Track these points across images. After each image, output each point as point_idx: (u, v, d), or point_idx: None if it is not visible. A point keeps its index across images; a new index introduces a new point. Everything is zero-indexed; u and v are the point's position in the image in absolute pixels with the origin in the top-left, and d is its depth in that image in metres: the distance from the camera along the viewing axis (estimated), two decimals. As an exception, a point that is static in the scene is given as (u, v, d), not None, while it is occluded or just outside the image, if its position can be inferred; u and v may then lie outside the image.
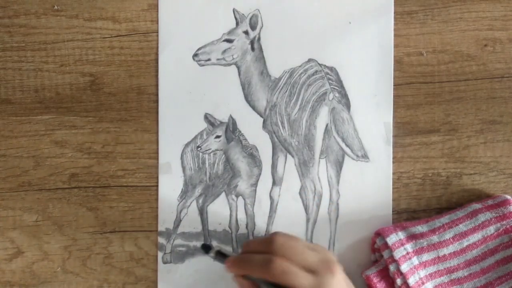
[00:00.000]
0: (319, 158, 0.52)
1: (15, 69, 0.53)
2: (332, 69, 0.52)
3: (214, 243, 0.52)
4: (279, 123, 0.52)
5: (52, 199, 0.52)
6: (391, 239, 0.49)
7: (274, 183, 0.52)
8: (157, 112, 0.52)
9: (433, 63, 0.52)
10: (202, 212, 0.52)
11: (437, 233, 0.49)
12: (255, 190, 0.52)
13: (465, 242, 0.48)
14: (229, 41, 0.52)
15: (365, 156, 0.52)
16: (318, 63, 0.52)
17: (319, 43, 0.52)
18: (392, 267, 0.48)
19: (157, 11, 0.52)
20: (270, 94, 0.52)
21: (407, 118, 0.52)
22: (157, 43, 0.52)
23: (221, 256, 0.48)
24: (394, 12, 0.52)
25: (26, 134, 0.52)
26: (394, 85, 0.52)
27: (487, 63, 0.52)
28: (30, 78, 0.52)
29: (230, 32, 0.52)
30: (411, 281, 0.48)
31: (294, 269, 0.42)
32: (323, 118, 0.52)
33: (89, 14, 0.52)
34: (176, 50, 0.52)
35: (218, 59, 0.52)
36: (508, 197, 0.50)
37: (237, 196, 0.53)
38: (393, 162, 0.52)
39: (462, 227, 0.49)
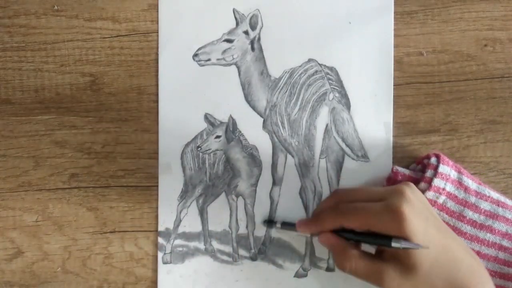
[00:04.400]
0: (319, 158, 0.52)
1: (15, 69, 0.53)
2: (332, 69, 0.52)
3: (214, 243, 0.52)
4: (279, 123, 0.52)
5: (52, 199, 0.52)
6: (445, 169, 0.48)
7: (274, 183, 0.52)
8: (157, 112, 0.52)
9: (433, 63, 0.52)
10: (202, 212, 0.52)
11: (478, 197, 0.48)
12: (255, 190, 0.52)
13: (482, 235, 0.48)
14: (229, 41, 0.52)
15: (365, 156, 0.52)
16: (318, 63, 0.52)
17: (319, 43, 0.52)
18: (422, 186, 0.48)
19: (157, 11, 0.52)
20: (270, 94, 0.52)
21: (407, 118, 0.52)
22: (157, 43, 0.52)
23: (287, 225, 0.50)
24: (394, 12, 0.52)
25: (26, 134, 0.52)
26: (394, 85, 0.52)
27: (487, 63, 0.52)
28: (30, 78, 0.52)
29: (230, 32, 0.52)
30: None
31: (360, 204, 0.43)
32: (323, 118, 0.52)
33: (89, 14, 0.52)
34: (176, 50, 0.52)
35: (218, 59, 0.52)
36: None
37: (237, 196, 0.53)
38: (393, 162, 0.52)
39: (498, 225, 0.48)
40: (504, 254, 0.48)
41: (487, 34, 0.52)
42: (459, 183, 0.49)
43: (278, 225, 0.51)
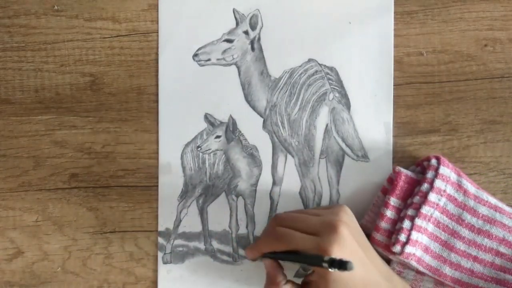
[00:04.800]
0: (319, 158, 0.52)
1: (15, 69, 0.53)
2: (332, 69, 0.52)
3: (214, 243, 0.52)
4: (279, 123, 0.52)
5: (52, 199, 0.52)
6: (445, 171, 0.48)
7: (274, 183, 0.52)
8: (157, 112, 0.52)
9: (433, 63, 0.52)
10: (202, 212, 0.52)
11: (477, 201, 0.49)
12: (255, 190, 0.52)
13: (480, 240, 0.48)
14: (229, 41, 0.52)
15: (365, 156, 0.52)
16: (318, 63, 0.52)
17: (319, 43, 0.52)
18: (425, 187, 0.48)
19: (157, 11, 0.52)
20: (270, 94, 0.52)
21: (407, 118, 0.52)
22: (157, 43, 0.52)
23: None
24: (394, 12, 0.52)
25: (26, 134, 0.52)
26: (394, 85, 0.52)
27: (487, 63, 0.52)
28: (30, 78, 0.52)
29: (230, 32, 0.52)
30: (424, 210, 0.48)
31: (294, 233, 0.44)
32: (323, 118, 0.52)
33: (89, 14, 0.52)
34: (176, 50, 0.52)
35: (218, 59, 0.52)
36: None
37: (237, 196, 0.53)
38: (393, 162, 0.52)
39: (495, 230, 0.48)
40: (501, 260, 0.48)
41: (487, 34, 0.52)
42: (459, 186, 0.49)
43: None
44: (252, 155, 0.52)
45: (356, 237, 0.44)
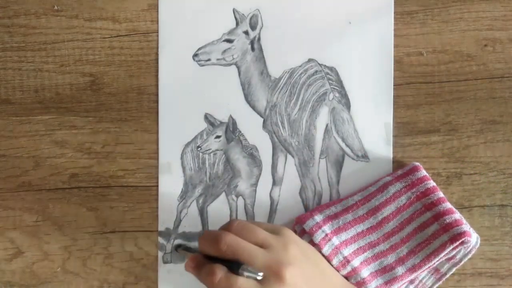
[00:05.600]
0: (319, 158, 0.52)
1: (15, 69, 0.53)
2: (332, 69, 0.52)
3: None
4: (279, 123, 0.52)
5: (52, 199, 0.52)
6: (308, 224, 0.49)
7: (274, 183, 0.52)
8: (157, 112, 0.52)
9: (433, 63, 0.52)
10: (202, 212, 0.52)
11: (350, 211, 0.50)
12: (255, 190, 0.52)
13: (380, 216, 0.49)
14: (229, 41, 0.52)
15: (365, 156, 0.52)
16: (318, 63, 0.52)
17: (319, 43, 0.52)
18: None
19: (157, 11, 0.52)
20: (270, 94, 0.52)
21: (407, 118, 0.52)
22: (157, 43, 0.52)
23: (188, 250, 0.51)
24: (394, 12, 0.52)
25: (26, 134, 0.52)
26: (394, 85, 0.52)
27: (487, 63, 0.52)
28: (30, 78, 0.52)
29: (230, 32, 0.52)
30: (335, 262, 0.48)
31: (243, 243, 0.42)
32: (323, 118, 0.52)
33: (89, 14, 0.52)
34: (176, 50, 0.52)
35: (218, 59, 0.52)
36: (417, 163, 0.50)
37: (237, 196, 0.53)
38: (393, 162, 0.52)
39: (374, 202, 0.49)
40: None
41: (487, 34, 0.52)
42: (329, 217, 0.50)
43: (180, 250, 0.51)
44: (252, 155, 0.52)
45: (304, 265, 0.43)
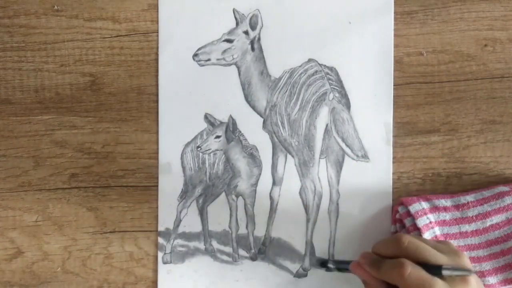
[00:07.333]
0: (319, 158, 0.52)
1: (15, 69, 0.53)
2: (332, 69, 0.52)
3: (215, 243, 0.52)
4: (279, 123, 0.52)
5: (52, 199, 0.52)
6: (414, 207, 0.49)
7: (274, 183, 0.52)
8: (157, 112, 0.52)
9: (433, 63, 0.52)
10: (202, 212, 0.52)
11: (460, 209, 0.49)
12: (255, 190, 0.52)
13: (488, 222, 0.49)
14: (229, 41, 0.52)
15: (365, 156, 0.52)
16: (318, 63, 0.52)
17: (319, 43, 0.52)
18: (416, 233, 0.48)
19: (157, 11, 0.52)
20: (270, 94, 0.52)
21: (407, 118, 0.52)
22: (157, 43, 0.52)
23: (340, 264, 0.51)
24: (394, 12, 0.52)
25: (26, 134, 0.52)
26: (394, 85, 0.52)
27: (487, 63, 0.52)
28: (30, 78, 0.52)
29: (230, 32, 0.52)
30: None
31: (429, 278, 0.40)
32: (323, 118, 0.52)
33: (89, 14, 0.52)
34: (176, 50, 0.52)
35: (218, 59, 0.52)
36: None
37: (237, 196, 0.53)
38: (393, 162, 0.52)
39: (486, 207, 0.49)
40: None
41: (487, 34, 0.52)
42: (436, 208, 0.49)
43: (331, 265, 0.51)
44: (252, 155, 0.52)
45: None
